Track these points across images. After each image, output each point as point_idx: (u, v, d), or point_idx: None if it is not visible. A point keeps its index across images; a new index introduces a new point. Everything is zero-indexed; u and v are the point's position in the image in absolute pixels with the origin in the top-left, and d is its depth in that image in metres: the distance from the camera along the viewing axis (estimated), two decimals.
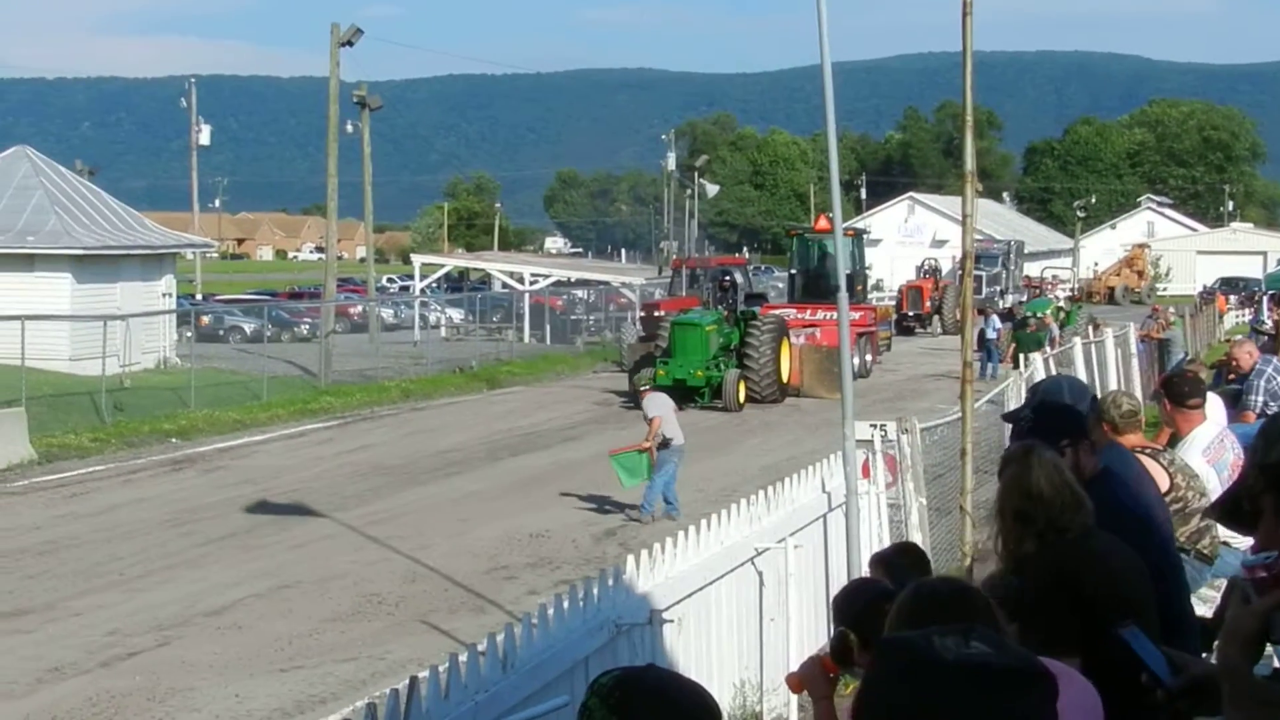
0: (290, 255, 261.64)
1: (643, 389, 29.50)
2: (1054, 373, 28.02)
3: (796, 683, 6.66)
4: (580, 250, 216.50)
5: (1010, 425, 9.24)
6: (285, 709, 16.62)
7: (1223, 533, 11.69)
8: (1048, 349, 38.57)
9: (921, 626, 4.86)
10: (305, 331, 68.80)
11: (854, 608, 6.58)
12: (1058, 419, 8.01)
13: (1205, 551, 11.38)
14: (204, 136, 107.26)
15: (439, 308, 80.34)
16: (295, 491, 30.39)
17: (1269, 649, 8.64)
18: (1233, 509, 5.21)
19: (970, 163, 19.85)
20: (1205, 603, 10.04)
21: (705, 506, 17.16)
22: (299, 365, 54.64)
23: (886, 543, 16.26)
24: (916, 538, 18.64)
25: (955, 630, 2.78)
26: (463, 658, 9.38)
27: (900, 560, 7.71)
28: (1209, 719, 4.77)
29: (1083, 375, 34.94)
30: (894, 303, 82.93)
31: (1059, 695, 3.48)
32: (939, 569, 18.05)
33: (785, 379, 47.54)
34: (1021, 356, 39.40)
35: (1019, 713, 2.67)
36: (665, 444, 27.57)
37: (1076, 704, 3.64)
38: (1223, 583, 11.44)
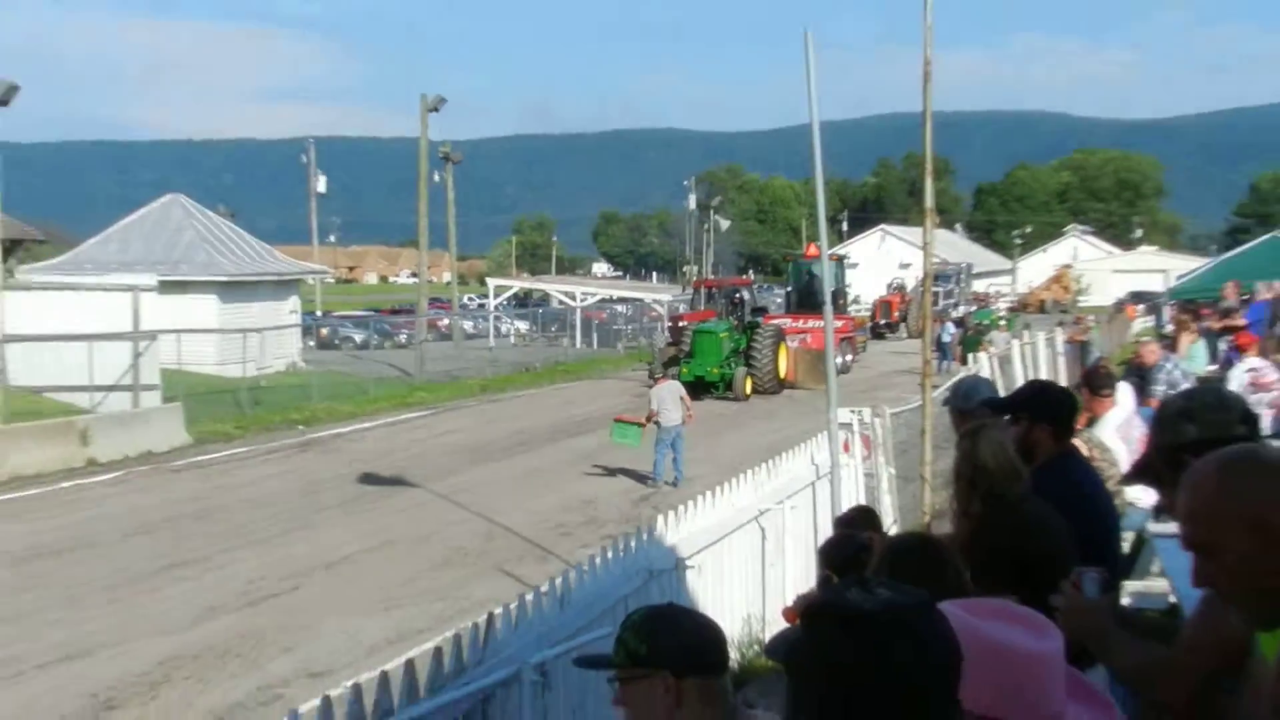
0: (390, 279, 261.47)
1: (658, 377, 29.62)
2: (983, 371, 27.99)
3: (791, 615, 6.67)
4: (620, 274, 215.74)
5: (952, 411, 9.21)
6: (389, 639, 16.68)
7: (1129, 494, 11.71)
8: (993, 348, 38.47)
9: (900, 574, 4.89)
10: (403, 340, 68.93)
11: (836, 555, 6.62)
12: (1040, 398, 8.01)
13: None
14: (321, 185, 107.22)
15: (509, 320, 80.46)
16: (396, 467, 30.45)
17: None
18: (1141, 474, 5.25)
19: (929, 201, 19.90)
20: None
21: (719, 476, 17.13)
22: (398, 367, 54.74)
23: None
24: (886, 501, 18.66)
25: (851, 584, 2.78)
26: (529, 598, 9.41)
27: (857, 518, 7.73)
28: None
29: (1019, 370, 34.90)
30: (869, 314, 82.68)
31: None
32: (905, 525, 18.09)
33: (783, 375, 47.53)
34: (970, 355, 39.37)
35: (934, 638, 2.69)
36: (658, 424, 27.91)
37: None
38: (1130, 534, 11.46)
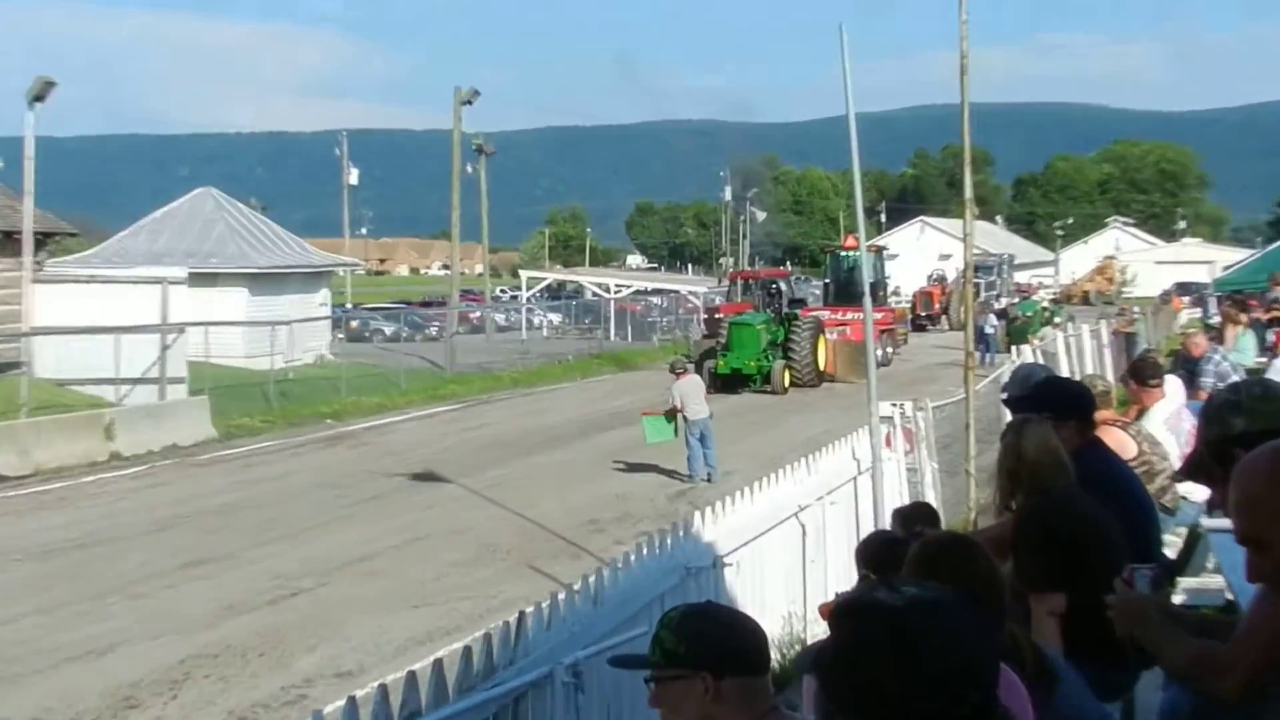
0: (422, 271, 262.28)
1: (677, 372, 29.45)
2: (1030, 361, 27.80)
3: (826, 610, 6.61)
4: (655, 265, 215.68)
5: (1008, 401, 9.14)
6: (418, 639, 16.64)
7: (1182, 489, 11.58)
8: (1036, 341, 38.32)
9: (931, 570, 4.81)
10: (434, 332, 68.91)
11: (872, 554, 6.57)
12: (1054, 395, 7.94)
13: (1168, 505, 11.26)
14: (353, 178, 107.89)
15: (541, 312, 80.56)
16: (427, 461, 30.47)
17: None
18: (1193, 470, 5.19)
19: (969, 192, 19.76)
20: (1169, 547, 9.93)
21: (757, 471, 17.05)
22: (429, 360, 54.83)
23: (906, 501, 16.21)
24: (930, 496, 18.54)
25: (882, 584, 2.77)
26: (561, 596, 9.33)
27: (914, 513, 7.67)
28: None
29: (1064, 363, 34.71)
30: (910, 305, 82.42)
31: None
32: (949, 523, 17.95)
33: (822, 368, 47.50)
34: (1014, 346, 39.23)
35: (961, 634, 2.64)
36: (685, 418, 27.92)
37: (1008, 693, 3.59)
38: (1184, 530, 11.31)
